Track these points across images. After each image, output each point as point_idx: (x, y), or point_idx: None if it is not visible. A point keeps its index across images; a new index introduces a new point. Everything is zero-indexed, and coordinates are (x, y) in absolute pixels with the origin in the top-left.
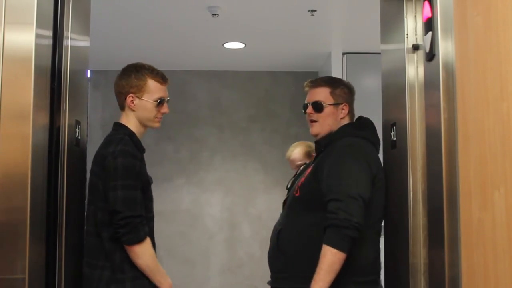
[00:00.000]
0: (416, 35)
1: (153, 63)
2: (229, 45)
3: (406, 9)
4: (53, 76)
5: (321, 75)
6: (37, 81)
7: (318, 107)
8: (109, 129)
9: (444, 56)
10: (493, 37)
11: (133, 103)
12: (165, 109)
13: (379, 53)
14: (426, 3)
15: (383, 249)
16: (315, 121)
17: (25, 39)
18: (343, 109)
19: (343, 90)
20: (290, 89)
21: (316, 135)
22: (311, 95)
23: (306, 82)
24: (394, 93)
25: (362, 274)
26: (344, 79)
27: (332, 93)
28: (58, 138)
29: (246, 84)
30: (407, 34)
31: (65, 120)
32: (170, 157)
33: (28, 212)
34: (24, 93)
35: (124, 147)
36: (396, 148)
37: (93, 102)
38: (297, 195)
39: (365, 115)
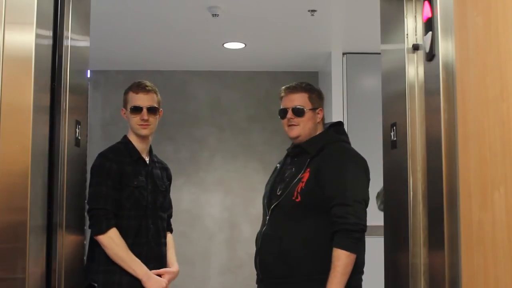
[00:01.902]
0: (416, 35)
1: (153, 63)
2: (229, 45)
3: (406, 9)
4: (53, 76)
5: (321, 75)
6: (37, 81)
7: (299, 112)
8: (109, 129)
9: (444, 56)
10: (493, 37)
11: (125, 115)
12: (143, 116)
13: (379, 53)
14: (426, 3)
15: (383, 249)
16: (295, 125)
17: (25, 39)
18: (318, 113)
19: (317, 96)
20: None
21: (296, 138)
22: (290, 100)
23: (282, 88)
24: (394, 93)
25: (355, 273)
26: (344, 79)
27: (310, 98)
28: (58, 138)
29: (246, 84)
30: (407, 34)
31: (65, 120)
32: (170, 157)
33: (28, 212)
34: (24, 93)
35: (104, 151)
36: (396, 148)
37: (93, 102)
38: (298, 200)
39: (365, 115)
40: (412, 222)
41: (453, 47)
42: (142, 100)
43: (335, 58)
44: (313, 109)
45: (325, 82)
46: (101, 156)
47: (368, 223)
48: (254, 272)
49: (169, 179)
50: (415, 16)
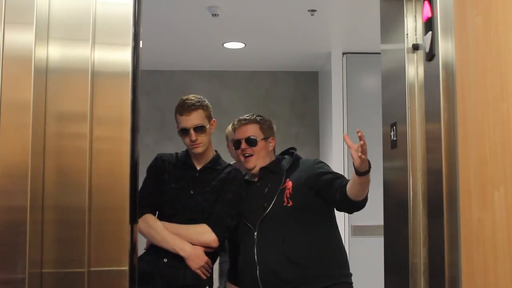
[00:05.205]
0: (416, 35)
1: (153, 63)
2: (229, 45)
3: (406, 9)
4: None
5: (321, 75)
6: (37, 81)
7: (252, 142)
8: None
9: (444, 56)
10: (493, 37)
11: (179, 133)
12: (191, 137)
13: (379, 53)
14: (426, 3)
15: (382, 249)
16: (250, 155)
17: (25, 39)
18: (270, 142)
19: (268, 125)
20: (290, 89)
21: (252, 169)
22: (242, 131)
23: (235, 120)
24: (394, 93)
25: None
26: (344, 79)
27: (261, 129)
28: None
29: (246, 84)
30: (407, 34)
31: None
32: None
33: (28, 212)
34: (24, 93)
35: (161, 153)
36: (396, 148)
37: None
38: (290, 205)
39: (365, 115)
40: (412, 222)
41: (453, 47)
42: (186, 121)
43: (335, 58)
44: (265, 139)
45: (325, 82)
46: (156, 156)
47: (368, 223)
48: None
49: (223, 181)
50: (415, 16)
